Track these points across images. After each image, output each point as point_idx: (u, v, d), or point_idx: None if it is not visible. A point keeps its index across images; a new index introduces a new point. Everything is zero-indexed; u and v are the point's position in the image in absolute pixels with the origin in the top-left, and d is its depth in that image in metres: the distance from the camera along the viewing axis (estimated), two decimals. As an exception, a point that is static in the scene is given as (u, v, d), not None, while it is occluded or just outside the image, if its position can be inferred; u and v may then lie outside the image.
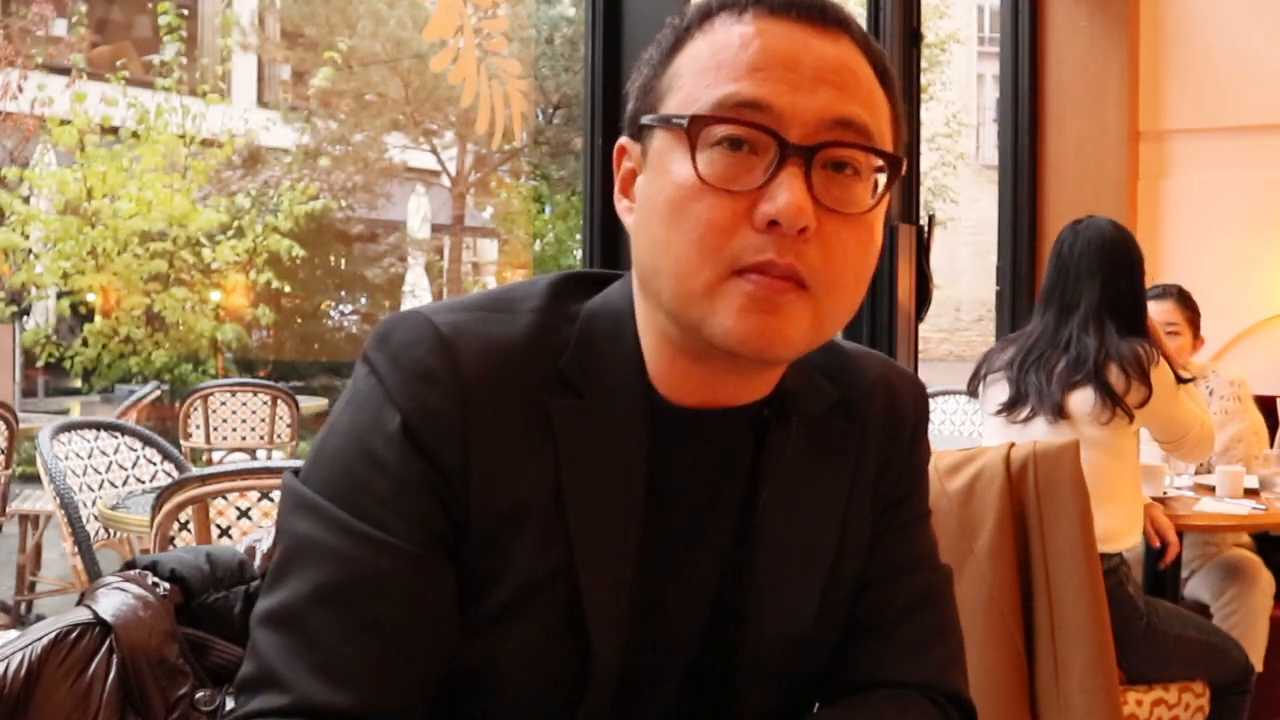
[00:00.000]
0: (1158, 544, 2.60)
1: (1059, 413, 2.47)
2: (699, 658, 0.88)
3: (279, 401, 5.97)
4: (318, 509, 0.80)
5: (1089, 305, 2.51)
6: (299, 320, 14.68)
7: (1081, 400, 2.46)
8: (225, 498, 2.07)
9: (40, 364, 11.66)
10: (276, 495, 1.99)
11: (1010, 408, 2.56)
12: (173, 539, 2.07)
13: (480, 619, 0.80)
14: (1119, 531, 2.42)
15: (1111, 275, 2.51)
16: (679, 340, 0.83)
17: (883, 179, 0.81)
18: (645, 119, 0.82)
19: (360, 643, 0.77)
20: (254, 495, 2.08)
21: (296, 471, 0.84)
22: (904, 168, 0.81)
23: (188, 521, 2.08)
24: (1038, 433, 2.47)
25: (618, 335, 0.85)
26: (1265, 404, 3.47)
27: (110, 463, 3.42)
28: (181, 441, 5.72)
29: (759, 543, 0.87)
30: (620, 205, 0.87)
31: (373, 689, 0.76)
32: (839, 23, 0.81)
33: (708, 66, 0.79)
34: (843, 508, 0.91)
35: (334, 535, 0.78)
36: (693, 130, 0.77)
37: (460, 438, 0.79)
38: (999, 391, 2.60)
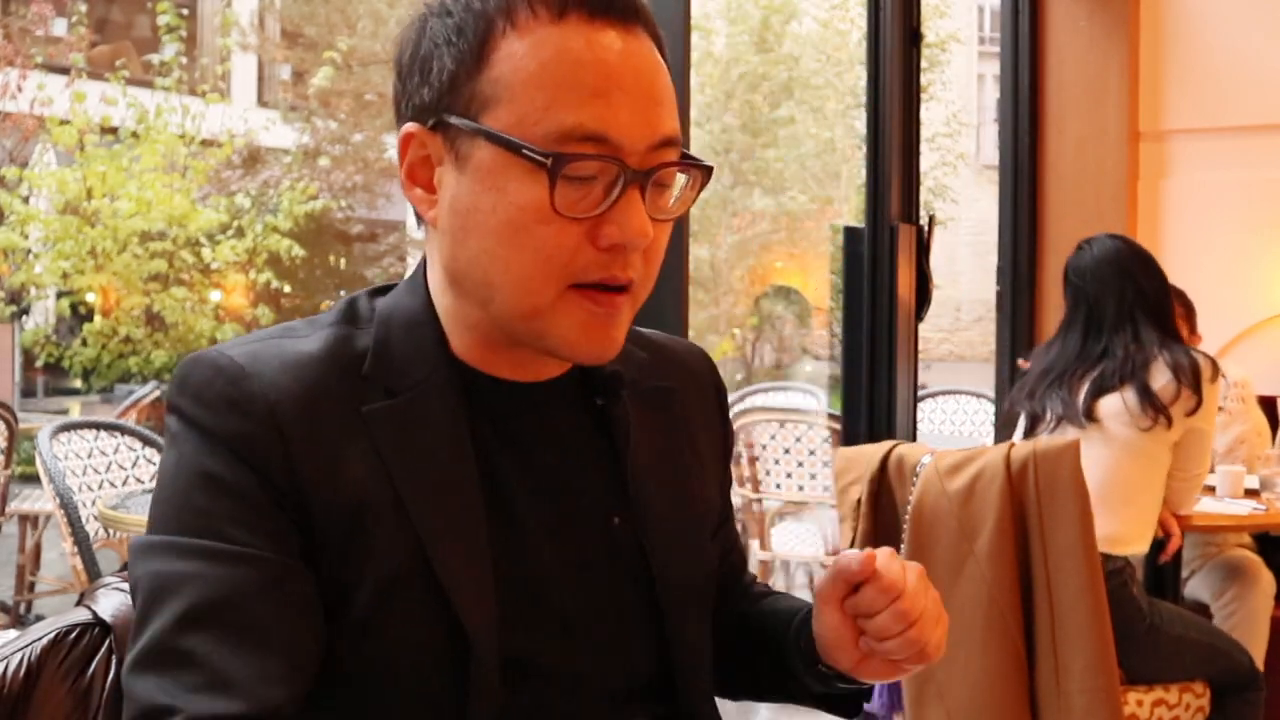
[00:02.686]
0: (1160, 534, 2.60)
1: (1089, 417, 2.46)
2: (622, 610, 0.90)
3: (279, 401, 5.97)
4: (168, 545, 0.79)
5: (1116, 310, 2.49)
6: (299, 320, 14.67)
7: (1114, 404, 2.44)
8: (225, 498, 2.07)
9: (40, 364, 11.65)
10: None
11: (1030, 431, 2.57)
12: (172, 539, 2.07)
13: (354, 623, 0.81)
14: (1131, 537, 2.41)
15: (1132, 277, 2.50)
16: (498, 335, 0.87)
17: (689, 179, 0.86)
18: (461, 124, 0.82)
19: (241, 652, 0.76)
20: (254, 495, 2.08)
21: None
22: (711, 173, 0.86)
23: (187, 521, 2.07)
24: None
25: (417, 328, 0.88)
26: (1266, 404, 3.47)
27: (110, 463, 3.43)
28: (181, 441, 5.71)
29: (642, 509, 0.91)
30: (414, 194, 0.88)
31: (263, 693, 0.75)
32: (636, 15, 0.83)
33: (541, 83, 0.80)
34: (692, 459, 0.98)
35: (190, 561, 0.78)
36: (555, 168, 0.79)
37: (281, 456, 0.80)
38: (1022, 424, 2.63)
